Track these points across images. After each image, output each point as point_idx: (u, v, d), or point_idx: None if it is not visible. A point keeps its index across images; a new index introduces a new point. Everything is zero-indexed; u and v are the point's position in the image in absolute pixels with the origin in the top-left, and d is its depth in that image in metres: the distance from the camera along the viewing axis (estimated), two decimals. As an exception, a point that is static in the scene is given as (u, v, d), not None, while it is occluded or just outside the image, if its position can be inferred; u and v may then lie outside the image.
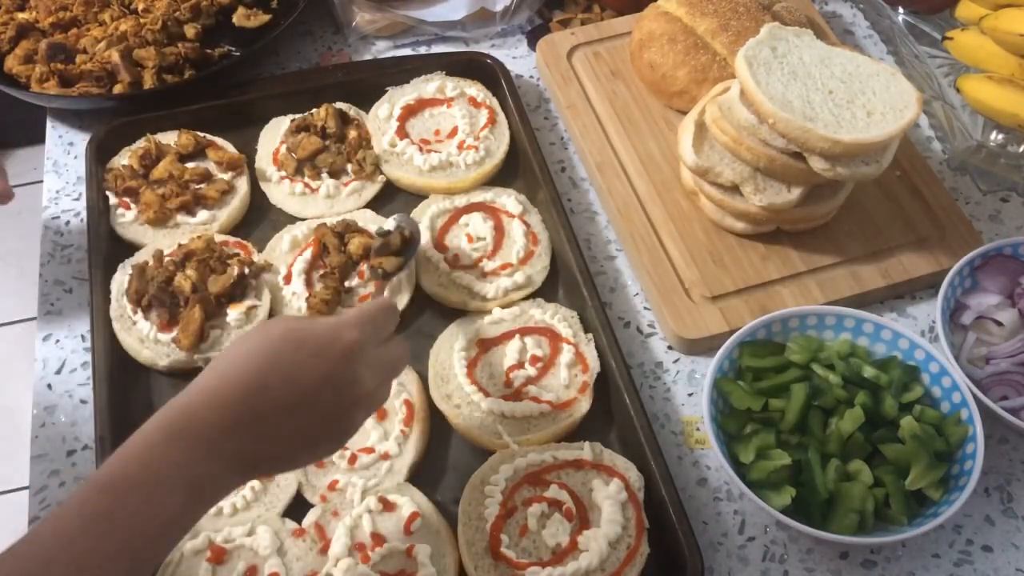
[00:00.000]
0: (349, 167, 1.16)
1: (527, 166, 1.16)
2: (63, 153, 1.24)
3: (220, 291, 1.02)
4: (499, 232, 1.11)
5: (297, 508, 0.92)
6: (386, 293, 1.05)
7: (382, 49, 1.36)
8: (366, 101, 1.23)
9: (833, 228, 1.12)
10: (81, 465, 0.97)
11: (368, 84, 1.24)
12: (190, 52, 1.26)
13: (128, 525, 0.63)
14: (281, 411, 0.70)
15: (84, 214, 1.15)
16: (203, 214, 1.11)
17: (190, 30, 1.29)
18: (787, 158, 1.02)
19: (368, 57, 1.35)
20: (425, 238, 1.10)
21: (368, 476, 0.93)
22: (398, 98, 1.22)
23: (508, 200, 1.13)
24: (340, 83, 1.24)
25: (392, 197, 1.17)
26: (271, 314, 1.05)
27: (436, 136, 1.20)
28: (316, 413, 0.71)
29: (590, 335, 1.02)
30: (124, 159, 1.16)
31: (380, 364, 0.77)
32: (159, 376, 1.02)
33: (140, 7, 1.31)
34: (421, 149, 1.17)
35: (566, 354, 1.00)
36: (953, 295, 1.04)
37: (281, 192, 1.15)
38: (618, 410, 0.97)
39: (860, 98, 1.03)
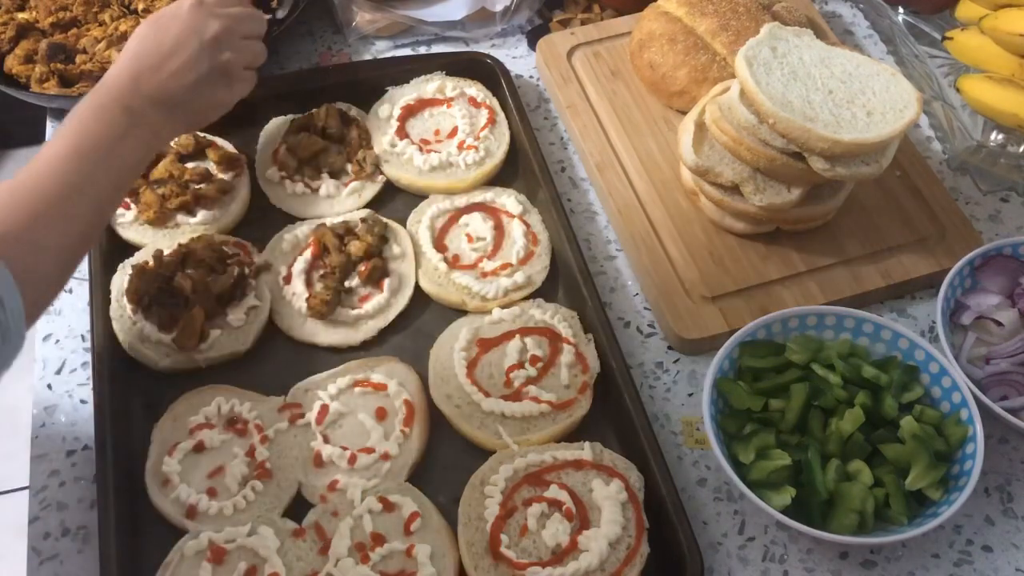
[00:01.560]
0: (349, 167, 1.17)
1: (527, 166, 1.16)
2: (63, 153, 1.23)
3: (220, 291, 1.02)
4: (499, 232, 1.11)
5: (297, 508, 0.92)
6: (385, 293, 1.05)
7: (382, 49, 1.36)
8: (366, 101, 1.23)
9: (833, 228, 1.12)
10: (81, 465, 0.97)
11: (368, 84, 1.24)
12: None
13: (86, 136, 0.89)
14: (162, 59, 0.95)
15: (84, 214, 1.15)
16: (203, 214, 1.11)
17: None
18: (787, 158, 1.02)
19: (368, 57, 1.35)
20: (425, 238, 1.10)
21: (368, 476, 0.93)
22: (398, 98, 1.22)
23: (508, 200, 1.13)
24: (340, 83, 1.24)
25: (392, 197, 1.17)
26: (271, 315, 1.05)
27: (436, 136, 1.20)
28: (188, 55, 0.96)
29: (590, 335, 1.02)
30: (124, 159, 1.16)
31: (224, 16, 1.00)
32: (159, 376, 1.02)
33: (140, 7, 1.31)
34: (421, 149, 1.17)
35: (566, 354, 1.00)
36: (953, 295, 1.04)
37: (281, 192, 1.15)
38: (618, 410, 0.97)
39: (860, 98, 1.03)
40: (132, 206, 1.11)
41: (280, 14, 1.31)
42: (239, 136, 1.20)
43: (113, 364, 1.00)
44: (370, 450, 0.94)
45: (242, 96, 1.04)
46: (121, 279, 1.05)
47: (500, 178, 1.18)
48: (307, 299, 1.04)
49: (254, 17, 1.06)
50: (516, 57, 1.35)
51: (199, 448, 0.95)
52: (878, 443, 0.92)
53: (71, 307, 1.09)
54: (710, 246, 1.10)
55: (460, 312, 1.06)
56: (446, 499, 0.93)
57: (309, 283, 1.06)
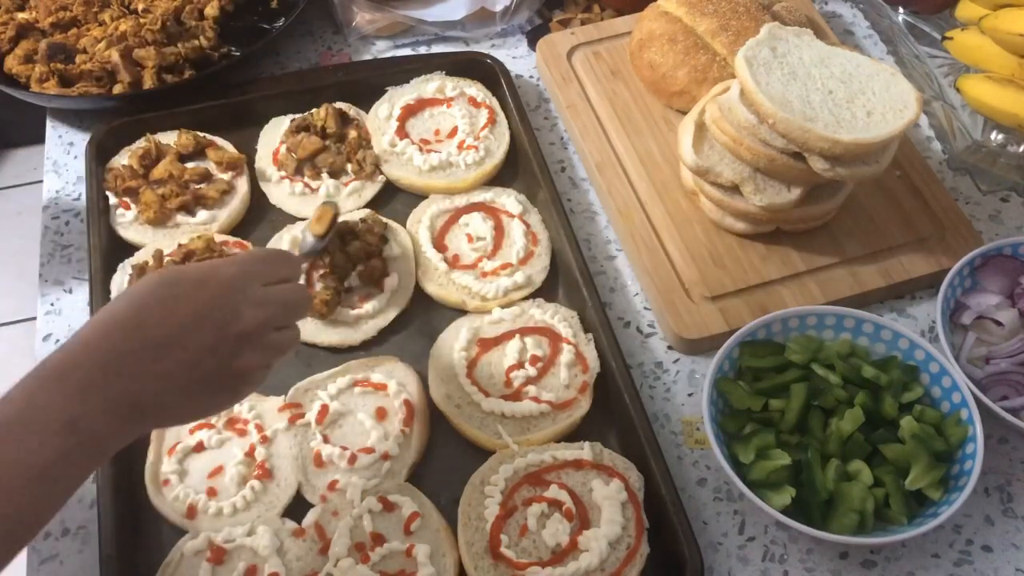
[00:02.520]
0: (349, 167, 1.17)
1: (527, 166, 1.16)
2: (63, 153, 1.24)
3: (220, 291, 1.02)
4: (499, 232, 1.11)
5: (297, 508, 0.92)
6: (385, 293, 1.05)
7: (382, 49, 1.36)
8: (366, 101, 1.23)
9: (833, 228, 1.12)
10: (81, 465, 0.97)
11: (368, 84, 1.24)
12: (190, 52, 1.25)
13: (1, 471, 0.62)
14: (156, 347, 0.67)
15: (84, 214, 1.15)
16: (203, 214, 1.11)
17: (211, 9, 1.30)
18: (787, 158, 1.02)
19: (368, 57, 1.35)
20: (425, 238, 1.10)
21: (368, 476, 0.93)
22: (398, 98, 1.22)
23: (508, 200, 1.13)
24: (340, 83, 1.24)
25: (392, 197, 1.17)
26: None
27: (436, 136, 1.20)
28: (196, 350, 0.69)
29: (590, 335, 1.02)
30: (124, 159, 1.16)
31: (267, 303, 0.74)
32: (159, 376, 1.02)
33: (140, 7, 1.31)
34: (421, 149, 1.17)
35: (566, 354, 1.00)
36: (953, 295, 1.04)
37: (281, 192, 1.15)
38: (618, 410, 0.97)
39: (860, 98, 1.03)
40: (132, 206, 1.12)
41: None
42: (239, 136, 1.20)
43: (113, 364, 0.99)
44: (370, 450, 0.94)
45: (244, 399, 0.77)
46: (121, 279, 1.05)
47: (500, 178, 1.18)
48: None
49: (302, 301, 0.80)
50: (516, 57, 1.35)
51: (199, 448, 0.95)
52: (878, 443, 0.92)
53: (71, 307, 1.09)
54: (710, 246, 1.10)
55: (460, 312, 1.06)
56: (446, 499, 0.93)
57: (309, 283, 1.06)
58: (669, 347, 1.06)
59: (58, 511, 0.67)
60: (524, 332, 1.02)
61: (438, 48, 1.35)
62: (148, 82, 1.22)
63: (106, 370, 0.66)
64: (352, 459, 0.94)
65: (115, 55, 1.22)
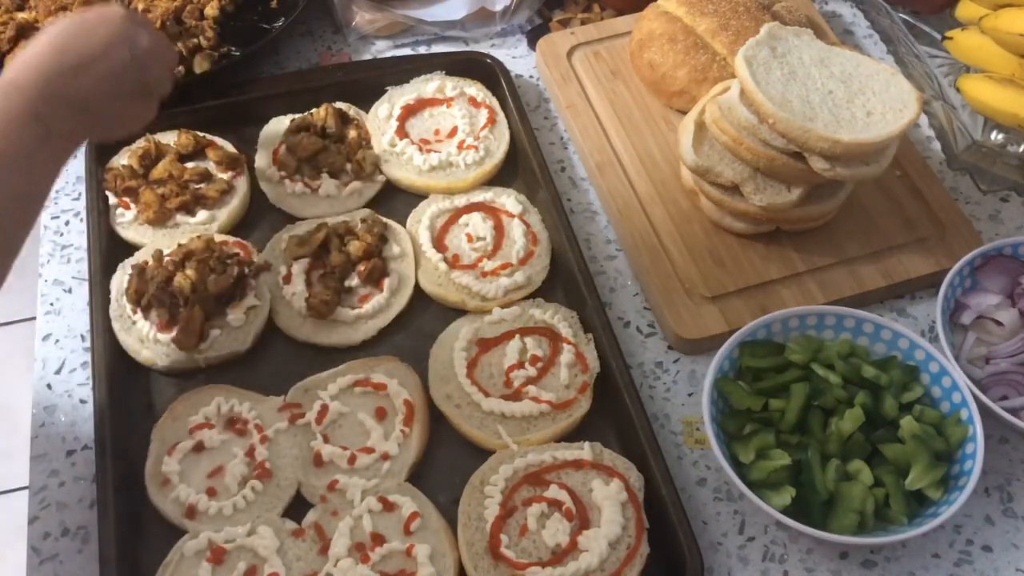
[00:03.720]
0: (349, 167, 1.16)
1: (527, 166, 1.16)
2: (63, 153, 1.23)
3: (220, 291, 1.02)
4: (499, 232, 1.11)
5: (297, 508, 0.92)
6: (385, 293, 1.05)
7: (382, 49, 1.36)
8: (366, 101, 1.23)
9: (833, 228, 1.12)
10: (81, 465, 0.97)
11: (368, 84, 1.24)
12: (190, 51, 1.25)
13: None
14: (88, 60, 0.85)
15: (84, 214, 1.15)
16: (203, 214, 1.11)
17: (211, 9, 1.30)
18: (787, 158, 1.02)
19: (368, 57, 1.35)
20: (425, 238, 1.10)
21: (368, 476, 0.93)
22: (398, 98, 1.22)
23: (508, 200, 1.13)
24: (340, 83, 1.24)
25: (392, 197, 1.17)
26: (271, 315, 1.05)
27: (436, 136, 1.20)
28: (117, 62, 0.87)
29: (590, 335, 1.02)
30: (124, 159, 1.16)
31: (149, 27, 0.93)
32: (159, 376, 1.02)
33: (139, 7, 1.31)
34: (421, 149, 1.17)
35: (566, 354, 1.00)
36: (953, 295, 1.04)
37: (281, 192, 1.15)
38: (618, 410, 0.97)
39: (860, 98, 1.03)
40: (132, 206, 1.12)
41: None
42: (239, 136, 1.20)
43: (113, 364, 1.00)
44: (370, 450, 0.94)
45: (149, 120, 0.96)
46: (121, 279, 1.05)
47: (500, 178, 1.18)
48: (307, 299, 1.04)
49: (171, 47, 1.03)
50: (516, 57, 1.35)
51: (199, 448, 0.95)
52: (878, 443, 0.92)
53: (71, 307, 1.09)
54: (710, 246, 1.10)
55: (460, 312, 1.06)
56: (446, 499, 0.93)
57: (309, 283, 1.06)
58: (669, 347, 1.06)
59: (45, 200, 0.85)
60: (524, 332, 1.02)
61: (438, 48, 1.35)
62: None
63: (51, 81, 0.82)
64: (352, 459, 0.93)
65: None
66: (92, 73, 0.85)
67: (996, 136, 1.19)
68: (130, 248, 1.10)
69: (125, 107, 0.92)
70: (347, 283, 1.06)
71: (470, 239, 1.10)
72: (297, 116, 1.20)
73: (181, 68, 1.22)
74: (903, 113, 1.01)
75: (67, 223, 1.16)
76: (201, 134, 1.18)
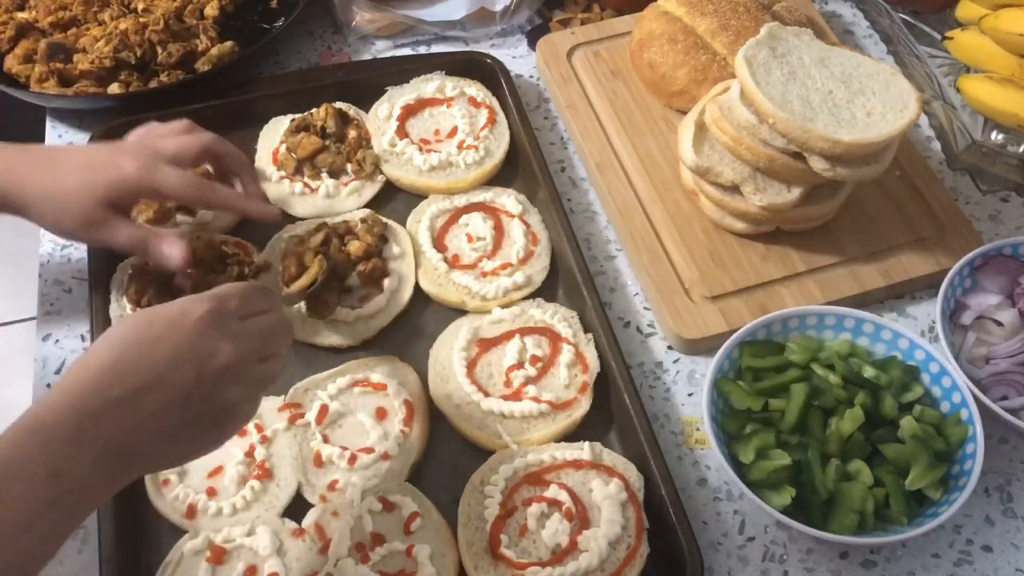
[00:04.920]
0: (349, 167, 1.16)
1: (527, 166, 1.16)
2: (63, 153, 1.23)
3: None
4: (499, 232, 1.11)
5: (297, 508, 0.92)
6: (385, 293, 1.05)
7: (382, 49, 1.36)
8: (366, 101, 1.23)
9: (833, 228, 1.12)
10: (81, 465, 0.97)
11: (368, 84, 1.24)
12: (190, 51, 1.26)
13: None
14: (138, 392, 0.67)
15: (84, 214, 1.15)
16: (203, 214, 1.11)
17: (211, 9, 1.30)
18: (787, 158, 1.02)
19: (368, 57, 1.35)
20: (425, 238, 1.10)
21: (368, 476, 0.93)
22: (398, 98, 1.22)
23: (508, 200, 1.13)
24: (340, 83, 1.24)
25: (392, 197, 1.17)
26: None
27: (436, 136, 1.20)
28: (176, 391, 0.68)
29: (590, 335, 1.02)
30: (124, 159, 1.16)
31: (245, 335, 0.73)
32: (159, 376, 1.02)
33: (139, 7, 1.31)
34: (421, 149, 1.17)
35: (566, 354, 1.00)
36: (953, 295, 1.04)
37: (281, 192, 1.15)
38: (618, 410, 0.97)
39: (860, 98, 1.03)
40: (132, 206, 1.11)
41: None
42: (239, 136, 1.19)
43: (113, 364, 0.99)
44: (370, 450, 0.94)
45: (211, 450, 0.75)
46: (121, 279, 1.05)
47: (500, 178, 1.18)
48: (307, 300, 1.04)
49: (282, 331, 0.79)
50: (516, 57, 1.35)
51: (199, 448, 0.95)
52: (878, 443, 0.92)
53: (71, 307, 1.09)
54: (710, 246, 1.10)
55: (460, 312, 1.06)
56: (446, 499, 0.93)
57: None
58: (669, 347, 1.06)
59: (45, 565, 0.65)
60: (524, 332, 1.02)
61: (438, 48, 1.35)
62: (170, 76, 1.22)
63: (86, 420, 0.65)
64: (352, 459, 0.93)
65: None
66: (141, 409, 0.67)
67: (996, 136, 1.19)
68: (130, 248, 1.10)
69: (182, 447, 0.72)
70: (347, 283, 1.06)
71: (470, 239, 1.10)
72: (297, 116, 1.20)
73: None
74: (903, 113, 1.01)
75: (67, 223, 1.16)
76: (201, 134, 1.17)
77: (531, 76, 1.33)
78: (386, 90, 1.24)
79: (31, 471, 0.62)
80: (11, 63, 1.26)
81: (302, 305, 1.04)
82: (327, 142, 1.17)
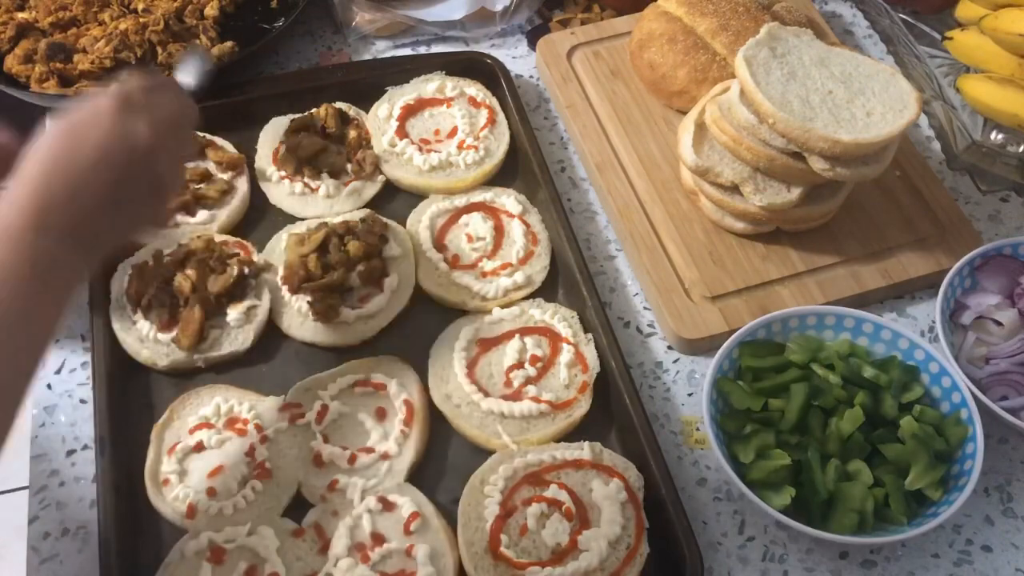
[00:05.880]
0: (349, 167, 1.16)
1: (527, 166, 1.16)
2: (63, 153, 1.23)
3: (220, 291, 1.02)
4: (499, 232, 1.11)
5: (297, 508, 0.92)
6: (385, 293, 1.05)
7: (382, 49, 1.36)
8: (366, 101, 1.23)
9: (833, 228, 1.12)
10: (81, 465, 0.97)
11: (368, 84, 1.24)
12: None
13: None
14: (80, 178, 0.74)
15: (84, 214, 1.15)
16: (203, 214, 1.11)
17: (211, 9, 1.30)
18: (787, 158, 1.02)
19: (368, 57, 1.35)
20: (425, 238, 1.10)
21: (368, 476, 0.93)
22: (398, 98, 1.22)
23: (508, 200, 1.13)
24: (340, 83, 1.24)
25: (392, 197, 1.17)
26: (271, 314, 1.05)
27: (436, 136, 1.20)
28: (112, 175, 0.75)
29: (590, 335, 1.02)
30: (124, 159, 1.15)
31: (153, 108, 0.79)
32: (159, 376, 1.02)
33: (140, 7, 1.31)
34: (421, 149, 1.17)
35: (566, 354, 1.00)
36: (953, 295, 1.04)
37: (281, 192, 1.15)
38: (618, 410, 0.97)
39: (860, 98, 1.03)
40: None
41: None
42: (239, 136, 1.20)
43: (112, 364, 1.00)
44: (370, 450, 0.94)
45: (160, 225, 0.87)
46: (121, 279, 1.05)
47: (500, 178, 1.18)
48: (310, 303, 1.04)
49: (187, 107, 0.86)
50: (516, 57, 1.35)
51: (198, 448, 0.95)
52: (878, 443, 0.92)
53: (71, 307, 1.08)
54: (710, 246, 1.10)
55: (460, 312, 1.06)
56: (446, 499, 0.93)
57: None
58: (669, 347, 1.06)
59: (38, 363, 0.73)
60: (524, 332, 1.02)
61: (438, 48, 1.35)
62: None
63: (46, 210, 0.72)
64: (352, 459, 0.94)
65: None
66: (86, 194, 0.74)
67: (996, 136, 1.19)
68: (129, 248, 1.10)
69: (133, 218, 0.80)
70: (347, 283, 1.06)
71: (470, 239, 1.10)
72: (297, 116, 1.20)
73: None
74: (903, 113, 1.01)
75: (67, 223, 1.16)
76: (201, 134, 1.18)
77: (531, 76, 1.33)
78: (386, 90, 1.24)
79: (13, 263, 0.70)
80: (11, 63, 1.25)
81: (303, 305, 1.04)
82: (327, 142, 1.17)
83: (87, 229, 0.74)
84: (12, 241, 0.70)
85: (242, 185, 1.15)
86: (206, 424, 0.96)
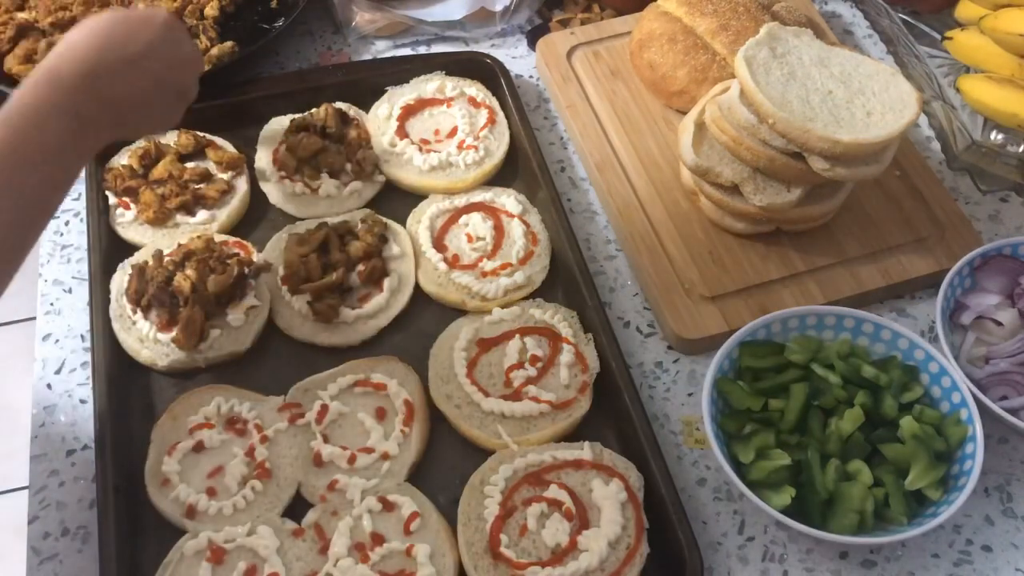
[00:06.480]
0: (349, 167, 1.16)
1: (527, 166, 1.16)
2: (63, 153, 1.23)
3: (220, 291, 1.02)
4: (499, 232, 1.11)
5: (297, 508, 0.92)
6: (385, 293, 1.05)
7: (382, 49, 1.36)
8: (366, 101, 1.23)
9: (833, 228, 1.12)
10: (81, 465, 0.97)
11: (368, 84, 1.24)
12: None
13: (11, 151, 0.77)
14: (130, 61, 0.86)
15: (84, 214, 1.15)
16: (203, 214, 1.11)
17: (211, 10, 1.30)
18: (787, 158, 1.02)
19: (368, 57, 1.35)
20: (425, 238, 1.10)
21: (368, 476, 0.93)
22: (398, 98, 1.22)
23: (508, 200, 1.13)
24: (340, 83, 1.24)
25: (392, 197, 1.17)
26: (271, 314, 1.05)
27: (436, 136, 1.20)
28: (160, 66, 0.89)
29: (590, 335, 1.02)
30: (124, 159, 1.16)
31: (190, 39, 0.96)
32: (159, 376, 1.02)
33: (140, 7, 1.31)
34: (421, 149, 1.17)
35: (566, 354, 1.00)
36: (953, 295, 1.04)
37: (281, 192, 1.15)
38: (618, 410, 0.97)
39: (859, 98, 1.03)
40: (132, 206, 1.11)
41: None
42: (239, 136, 1.20)
43: (112, 364, 1.00)
44: (370, 450, 0.94)
45: (174, 124, 1.00)
46: (121, 279, 1.05)
47: (500, 178, 1.18)
48: (309, 303, 1.04)
49: (201, 57, 1.04)
50: (516, 57, 1.35)
51: (198, 448, 0.95)
52: (878, 443, 0.92)
53: (71, 307, 1.09)
54: (710, 246, 1.10)
55: (460, 312, 1.06)
56: (446, 499, 0.93)
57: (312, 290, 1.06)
58: (669, 347, 1.06)
59: (62, 198, 0.85)
60: (524, 332, 1.02)
61: (438, 48, 1.35)
62: None
63: (91, 76, 0.83)
64: (352, 459, 0.94)
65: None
66: (131, 74, 0.86)
67: (996, 136, 1.19)
68: (130, 248, 1.10)
69: (156, 110, 0.93)
70: (347, 283, 1.06)
71: (470, 239, 1.10)
72: (297, 116, 1.20)
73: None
74: (903, 113, 1.01)
75: (67, 223, 1.16)
76: (201, 134, 1.18)
77: (531, 76, 1.33)
78: (386, 90, 1.24)
79: (57, 107, 0.80)
80: (11, 63, 1.25)
81: (303, 306, 1.04)
82: (327, 142, 1.17)
83: (123, 104, 0.86)
84: (61, 86, 0.81)
85: (242, 185, 1.15)
86: (206, 424, 0.96)
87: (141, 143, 1.16)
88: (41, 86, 0.81)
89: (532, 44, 1.35)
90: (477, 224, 1.11)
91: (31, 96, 0.81)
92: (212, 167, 1.16)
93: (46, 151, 0.80)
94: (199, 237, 1.07)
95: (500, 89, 1.23)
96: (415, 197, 1.16)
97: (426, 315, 1.07)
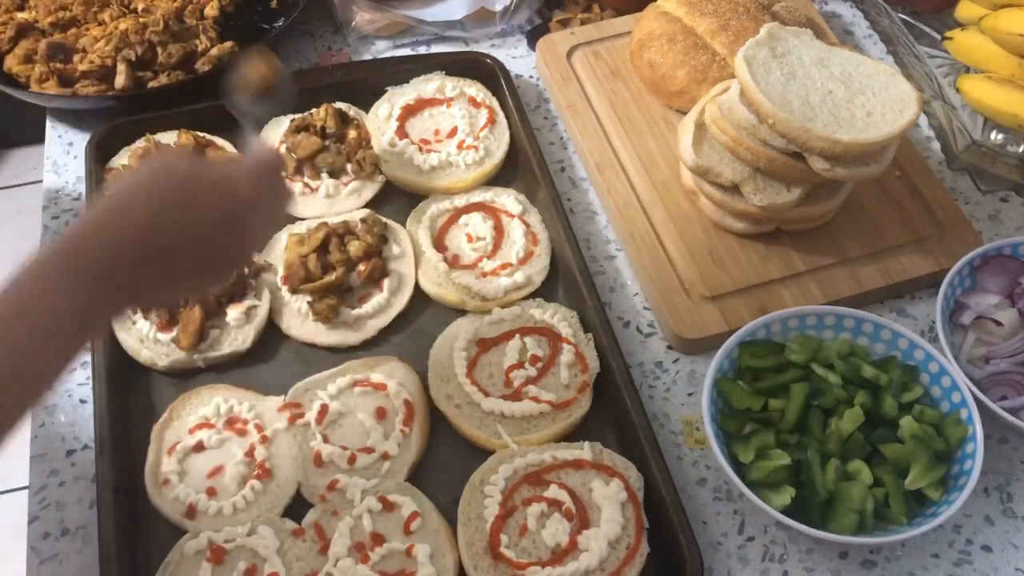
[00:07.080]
0: (349, 167, 1.16)
1: (527, 166, 1.16)
2: (63, 153, 1.23)
3: (220, 291, 1.02)
4: (499, 232, 1.11)
5: (297, 508, 0.92)
6: (385, 293, 1.05)
7: (382, 49, 1.36)
8: (366, 101, 1.23)
9: (833, 228, 1.12)
10: (80, 465, 0.97)
11: (368, 84, 1.24)
12: (190, 52, 1.26)
13: (17, 350, 0.63)
14: (177, 253, 0.71)
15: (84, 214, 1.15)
16: (203, 214, 1.11)
17: (211, 9, 1.30)
18: (787, 158, 1.02)
19: (368, 57, 1.35)
20: (425, 238, 1.10)
21: (368, 476, 0.93)
22: (398, 98, 1.22)
23: (508, 200, 1.13)
24: (340, 83, 1.24)
25: (392, 197, 1.17)
26: (271, 314, 1.05)
27: (436, 136, 1.20)
28: (209, 255, 0.74)
29: (590, 335, 1.02)
30: (124, 159, 1.16)
31: (271, 220, 0.83)
32: (159, 376, 1.02)
33: (140, 7, 1.31)
34: (421, 149, 1.17)
35: (566, 354, 1.00)
36: (953, 295, 1.04)
37: (281, 192, 1.15)
38: (618, 410, 0.97)
39: (859, 98, 1.03)
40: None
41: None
42: (239, 136, 1.19)
43: (113, 364, 1.00)
44: (370, 450, 0.94)
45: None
46: (121, 279, 1.05)
47: (500, 178, 1.18)
48: (310, 303, 1.04)
49: (289, 197, 0.86)
50: (516, 57, 1.35)
51: (198, 448, 0.95)
52: (878, 443, 0.92)
53: (71, 307, 1.08)
54: (710, 246, 1.10)
55: (460, 312, 1.06)
56: (446, 499, 0.93)
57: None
58: (669, 347, 1.06)
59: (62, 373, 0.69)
60: (524, 332, 1.02)
61: (438, 48, 1.35)
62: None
63: (131, 268, 0.68)
64: (352, 459, 0.94)
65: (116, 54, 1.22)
66: (170, 266, 0.71)
67: (996, 136, 1.19)
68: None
69: (192, 291, 0.82)
70: (347, 283, 1.06)
71: (470, 239, 1.10)
72: (297, 116, 1.20)
73: None
74: (903, 113, 1.01)
75: (67, 223, 1.16)
76: (201, 134, 1.18)
77: (531, 76, 1.33)
78: (386, 90, 1.24)
79: (65, 309, 0.65)
80: (11, 63, 1.26)
81: (303, 305, 1.04)
82: (327, 142, 1.17)
83: (152, 295, 0.75)
84: (78, 277, 0.66)
85: (242, 185, 1.15)
86: (206, 424, 0.96)
87: (141, 143, 1.16)
88: (57, 265, 0.67)
89: (532, 44, 1.35)
90: (477, 224, 1.11)
91: (39, 277, 0.66)
92: (212, 167, 1.16)
93: (38, 350, 0.65)
94: (199, 237, 1.06)
95: (500, 89, 1.23)
96: (415, 197, 1.16)
97: (426, 315, 1.07)
